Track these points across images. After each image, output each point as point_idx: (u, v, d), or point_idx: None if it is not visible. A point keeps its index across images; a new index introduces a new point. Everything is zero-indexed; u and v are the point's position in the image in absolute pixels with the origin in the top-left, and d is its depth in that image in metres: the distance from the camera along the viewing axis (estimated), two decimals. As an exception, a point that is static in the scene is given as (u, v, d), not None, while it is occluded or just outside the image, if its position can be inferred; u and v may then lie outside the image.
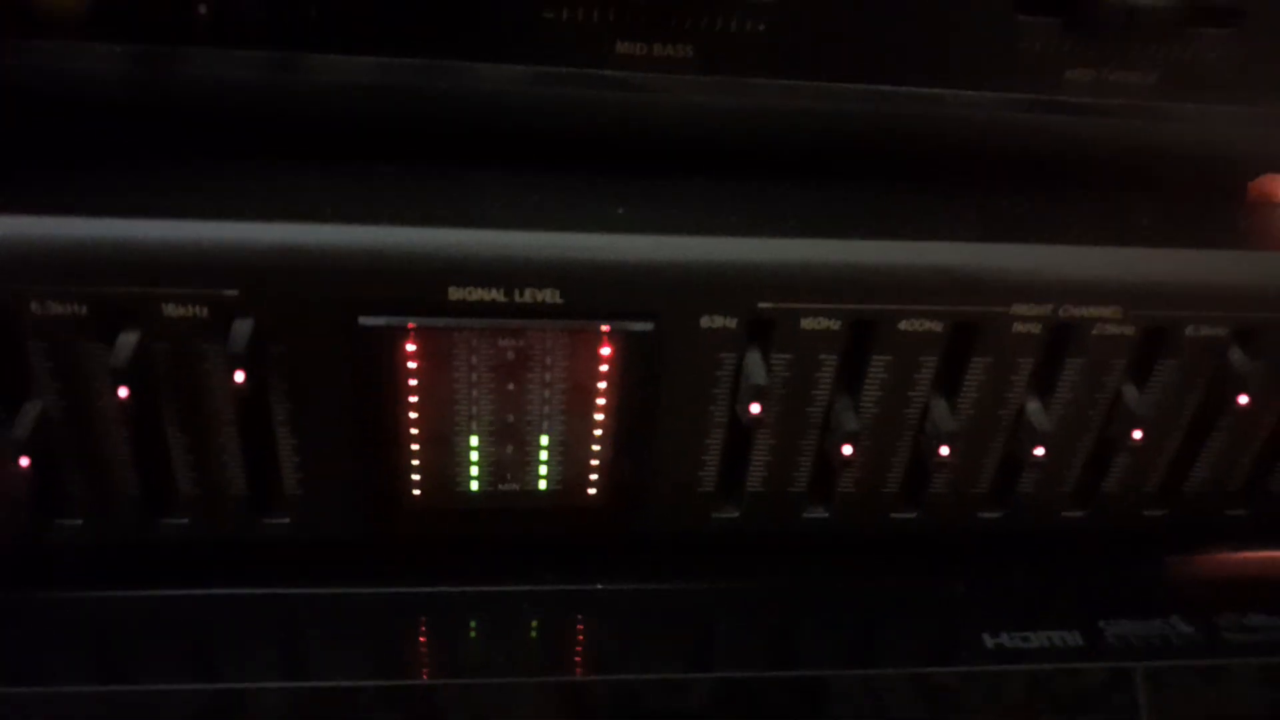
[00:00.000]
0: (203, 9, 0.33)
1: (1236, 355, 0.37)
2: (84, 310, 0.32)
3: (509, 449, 0.38)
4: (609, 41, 0.35)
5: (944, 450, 0.37)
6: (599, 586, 0.40)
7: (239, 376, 0.32)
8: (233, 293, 0.32)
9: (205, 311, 0.32)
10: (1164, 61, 0.37)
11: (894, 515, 0.40)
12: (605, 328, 0.35)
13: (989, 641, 0.39)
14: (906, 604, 0.41)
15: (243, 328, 0.32)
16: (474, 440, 0.37)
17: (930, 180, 0.39)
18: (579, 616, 0.40)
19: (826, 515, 0.40)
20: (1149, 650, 0.39)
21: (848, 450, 0.37)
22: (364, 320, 0.33)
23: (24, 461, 0.33)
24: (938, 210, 0.37)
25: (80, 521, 0.36)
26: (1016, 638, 0.39)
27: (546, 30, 0.34)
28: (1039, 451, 0.38)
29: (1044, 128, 0.37)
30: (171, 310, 0.32)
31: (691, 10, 0.34)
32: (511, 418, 0.37)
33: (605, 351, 0.35)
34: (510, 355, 0.35)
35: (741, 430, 0.37)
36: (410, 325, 0.34)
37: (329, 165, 0.36)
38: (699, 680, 0.38)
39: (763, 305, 0.34)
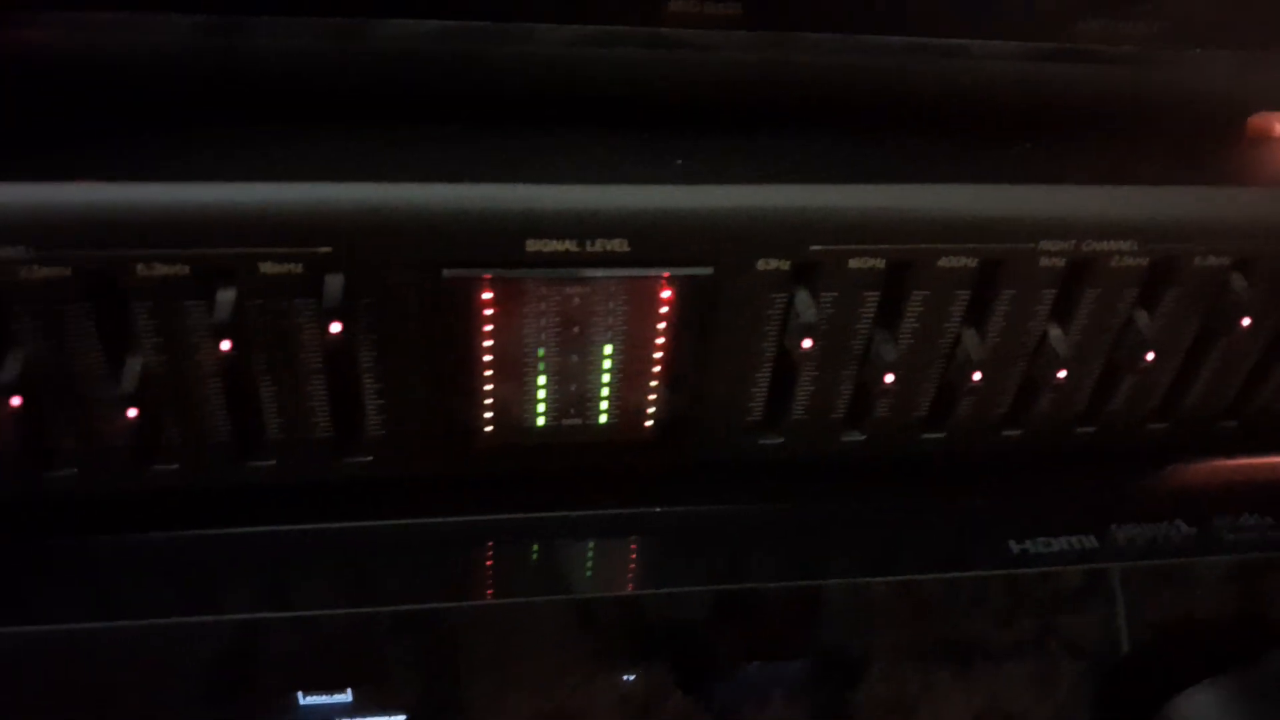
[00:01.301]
0: (278, -23, 0.34)
1: (1238, 282, 0.41)
2: (186, 270, 0.34)
3: (572, 387, 0.40)
4: (662, 1, 0.37)
5: (976, 376, 0.40)
6: (657, 510, 0.43)
7: (335, 328, 0.34)
8: (326, 250, 0.34)
9: (300, 268, 0.34)
10: (1168, 11, 0.39)
11: (924, 436, 0.44)
12: (666, 274, 0.37)
13: (1015, 547, 0.43)
14: (935, 517, 0.45)
15: (335, 283, 0.35)
16: (541, 380, 0.40)
17: (960, 127, 0.41)
18: (636, 537, 0.43)
19: (862, 438, 0.43)
20: (1155, 550, 0.44)
21: (889, 379, 0.40)
22: (447, 272, 0.36)
23: (131, 413, 0.35)
24: (968, 156, 0.40)
25: (175, 466, 0.39)
26: (1039, 543, 0.43)
27: (606, -9, 0.36)
28: (1060, 374, 0.41)
29: (1062, 75, 0.40)
30: (269, 268, 0.34)
31: (741, -31, 0.36)
32: (576, 358, 0.40)
33: (665, 295, 0.38)
34: (576, 301, 0.38)
35: (788, 363, 0.40)
36: (486, 275, 0.36)
37: (399, 127, 0.37)
38: (745, 590, 0.42)
39: (814, 248, 0.37)
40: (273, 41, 0.35)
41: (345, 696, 0.42)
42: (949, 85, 0.39)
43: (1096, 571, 0.44)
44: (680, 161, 0.37)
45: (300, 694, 0.41)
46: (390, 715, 0.42)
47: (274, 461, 0.39)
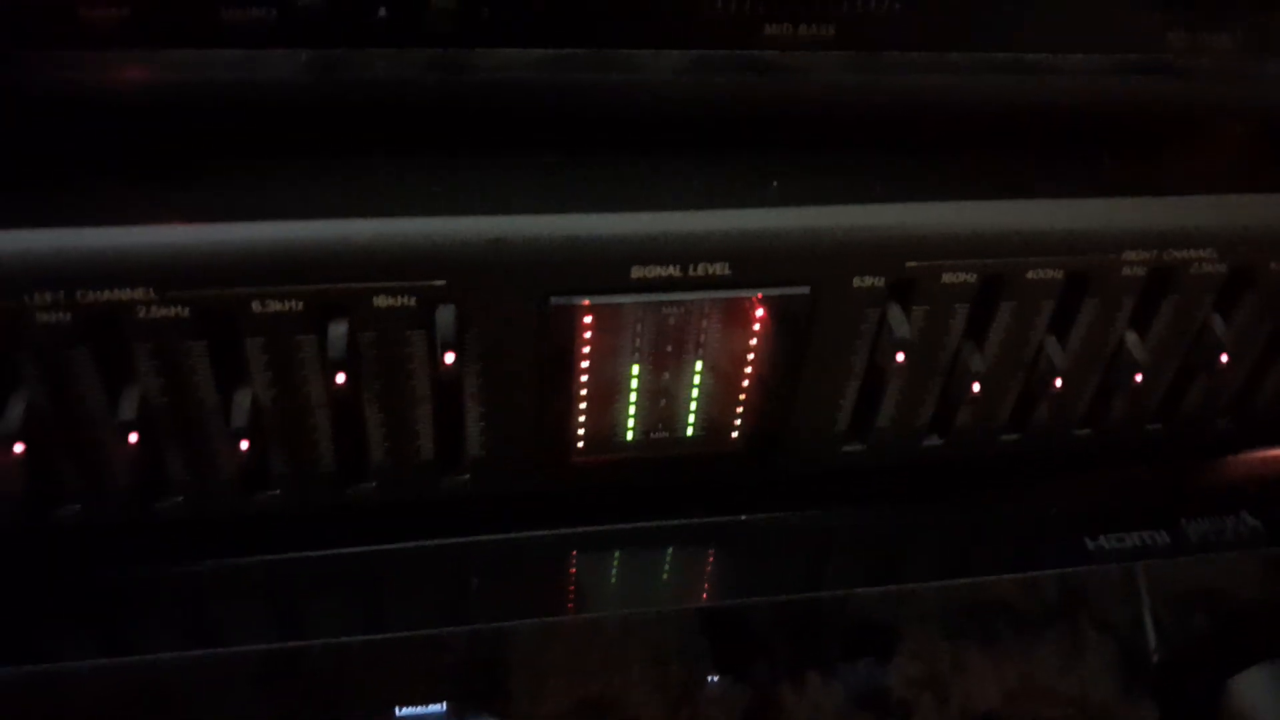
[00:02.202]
0: (381, 12, 0.34)
1: (1313, 285, 0.42)
2: (300, 306, 0.34)
3: (661, 403, 0.41)
4: (758, 25, 0.37)
5: (1058, 382, 0.41)
6: (742, 518, 0.44)
7: (449, 359, 0.35)
8: (440, 283, 0.35)
9: (413, 301, 0.35)
10: (1250, 22, 0.40)
11: (1002, 439, 0.45)
12: (759, 294, 0.38)
13: (1090, 544, 0.44)
14: (1012, 517, 0.46)
15: (447, 314, 0.35)
16: (632, 397, 0.41)
17: (1046, 142, 0.42)
18: (722, 546, 0.44)
19: (941, 443, 0.44)
20: (1224, 543, 0.45)
21: (976, 388, 0.41)
22: (554, 300, 0.36)
23: (244, 445, 0.36)
24: (1054, 170, 0.41)
25: (278, 492, 0.39)
26: (1113, 539, 0.44)
27: (702, 17, 0.36)
28: (1137, 378, 0.42)
29: (1146, 88, 0.40)
30: (381, 301, 0.35)
31: (833, -9, 0.37)
32: (667, 376, 0.40)
33: (759, 313, 0.39)
34: (671, 321, 0.39)
35: (877, 374, 0.41)
36: (588, 302, 0.37)
37: (504, 156, 0.38)
38: (835, 596, 0.43)
39: (910, 264, 0.38)
40: (379, 74, 0.35)
41: (440, 708, 0.43)
42: (1036, 100, 0.40)
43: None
44: (776, 183, 0.38)
45: (397, 708, 0.42)
46: (478, 728, 0.43)
47: (375, 484, 0.40)
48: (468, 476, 0.41)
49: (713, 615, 0.42)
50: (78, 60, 0.33)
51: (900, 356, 0.39)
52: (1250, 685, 0.47)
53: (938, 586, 0.43)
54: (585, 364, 0.39)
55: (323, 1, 0.33)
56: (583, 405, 0.40)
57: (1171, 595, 0.46)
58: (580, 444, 0.41)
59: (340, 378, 0.34)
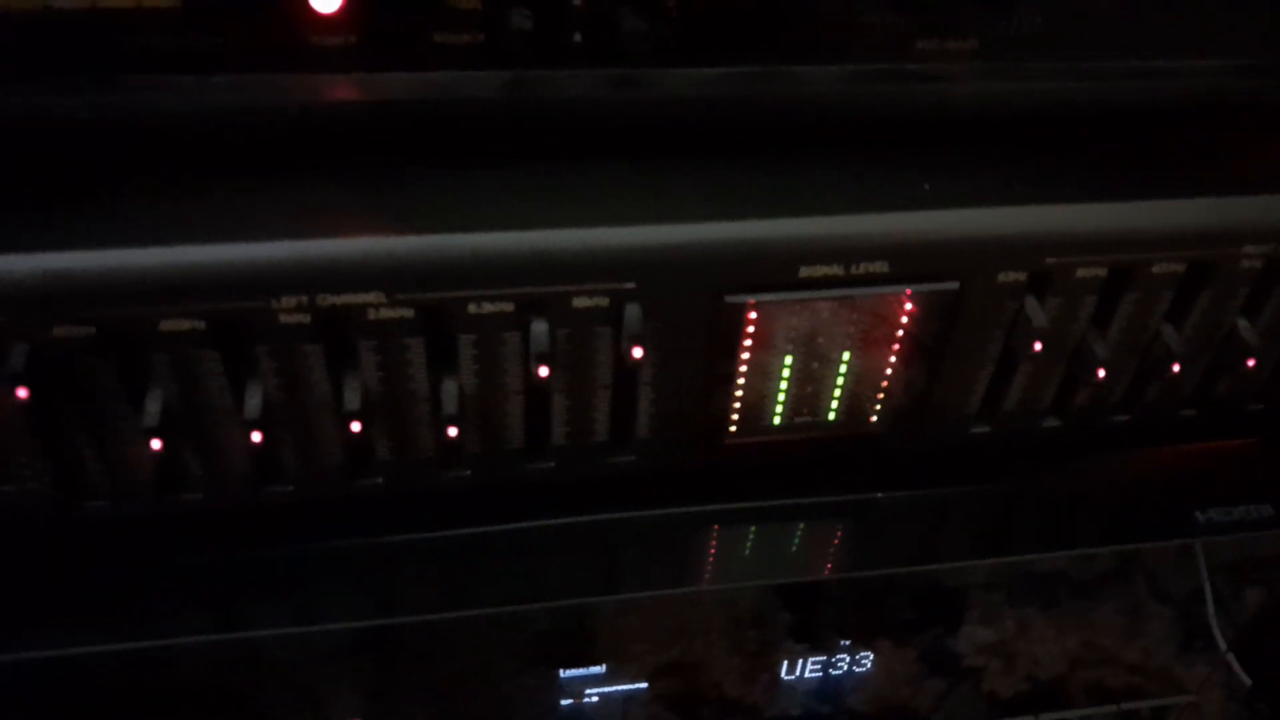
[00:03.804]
0: (576, 37, 0.38)
1: None
2: (510, 307, 0.38)
3: (808, 389, 0.45)
4: (910, 40, 0.40)
5: (1176, 367, 0.45)
6: (879, 495, 0.48)
7: (636, 352, 0.39)
8: (630, 285, 0.38)
9: (606, 301, 0.39)
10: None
11: (1115, 419, 0.48)
12: (915, 289, 0.41)
13: (1200, 517, 0.48)
14: (1125, 491, 0.49)
15: (634, 312, 0.39)
16: (783, 384, 0.44)
17: (1166, 143, 0.45)
18: (861, 519, 0.48)
19: (1060, 424, 0.48)
20: (1325, 515, 0.48)
21: (1101, 373, 0.44)
22: (728, 298, 0.40)
23: (453, 431, 0.40)
24: (1175, 170, 0.44)
25: (469, 472, 0.43)
26: (1220, 512, 0.48)
27: (860, 34, 0.40)
28: (1250, 362, 0.45)
29: (1267, 89, 0.43)
30: (580, 302, 0.38)
31: (978, 9, 0.40)
32: (816, 365, 0.44)
33: (909, 306, 0.42)
34: (825, 315, 0.42)
35: (1009, 360, 0.45)
36: (756, 300, 0.40)
37: (682, 165, 0.41)
38: (969, 567, 0.46)
39: (1049, 260, 0.41)
40: (572, 92, 0.38)
41: (599, 669, 0.47)
42: (1162, 104, 0.43)
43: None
44: (928, 186, 0.41)
45: (561, 670, 0.46)
46: (635, 683, 0.47)
47: (553, 464, 0.44)
48: (633, 457, 0.45)
49: (797, 603, 0.45)
50: (308, 83, 0.37)
51: (1038, 345, 0.42)
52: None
53: (1055, 557, 0.47)
54: (745, 355, 0.42)
55: (526, 28, 0.37)
56: (739, 392, 0.44)
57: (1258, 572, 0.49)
58: (733, 427, 0.45)
59: (543, 370, 0.38)
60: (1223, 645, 0.52)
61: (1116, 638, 0.51)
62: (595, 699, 0.48)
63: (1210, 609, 0.51)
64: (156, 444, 0.37)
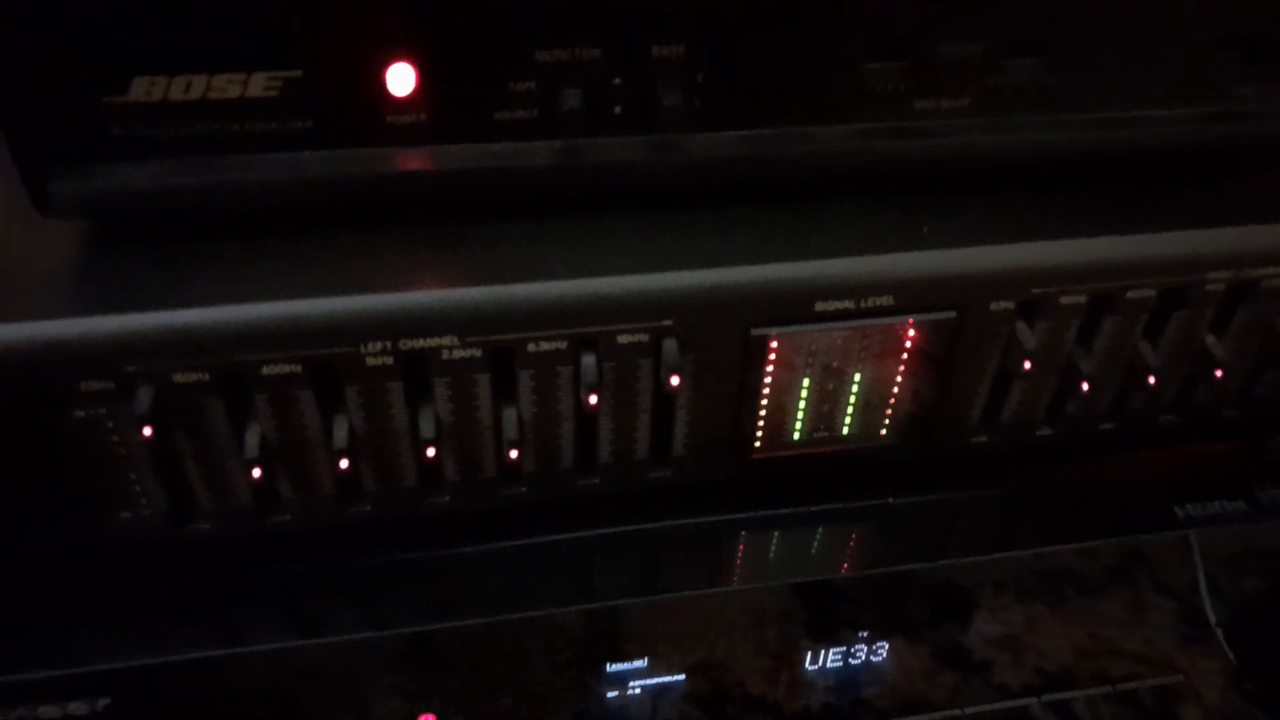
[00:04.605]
0: (616, 110, 0.43)
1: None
2: (564, 345, 0.43)
3: (824, 408, 0.50)
4: (910, 100, 0.46)
5: (1151, 380, 0.50)
6: (890, 500, 0.53)
7: (674, 381, 0.44)
8: (668, 323, 0.44)
9: (647, 338, 0.44)
10: (1311, 72, 0.48)
11: (1102, 427, 0.54)
12: (918, 318, 0.47)
13: (1179, 512, 0.53)
14: (1111, 491, 0.55)
15: (671, 346, 0.44)
16: (802, 404, 0.50)
17: (1136, 182, 0.51)
18: (875, 522, 0.53)
19: (1052, 432, 0.53)
20: (1293, 508, 0.54)
21: (1085, 386, 0.49)
22: (755, 331, 0.45)
23: (513, 454, 0.45)
24: (1145, 206, 0.49)
25: (525, 489, 0.49)
26: (1198, 507, 0.53)
27: (866, 97, 0.45)
28: (1218, 373, 0.51)
29: (1220, 133, 0.49)
30: (624, 339, 0.44)
31: (969, 72, 0.45)
32: (831, 387, 0.49)
33: (912, 334, 0.48)
34: (839, 343, 0.48)
35: (1004, 378, 0.50)
36: (777, 332, 0.46)
37: (706, 217, 0.46)
38: (975, 562, 0.52)
39: (1035, 290, 0.47)
40: (608, 156, 0.44)
41: (642, 663, 0.52)
42: (1132, 148, 0.48)
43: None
44: (926, 230, 0.47)
45: (608, 664, 0.52)
46: (674, 675, 0.53)
47: (598, 480, 0.49)
48: (670, 472, 0.50)
49: (818, 600, 0.51)
50: (387, 156, 0.42)
51: (1028, 364, 0.47)
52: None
53: (1050, 551, 0.52)
54: (768, 380, 0.48)
55: (575, 104, 0.42)
56: (763, 413, 0.49)
57: (1236, 560, 0.55)
58: (758, 443, 0.50)
59: (592, 398, 0.44)
60: (1213, 621, 0.57)
61: (1115, 625, 0.56)
62: (637, 691, 0.53)
63: (1204, 595, 0.56)
64: (256, 472, 0.43)
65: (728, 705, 0.54)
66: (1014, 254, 0.46)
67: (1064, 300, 0.47)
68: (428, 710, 0.50)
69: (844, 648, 0.53)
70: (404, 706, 0.48)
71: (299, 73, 0.40)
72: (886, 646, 0.54)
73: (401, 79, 0.40)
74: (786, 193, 0.47)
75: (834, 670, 0.54)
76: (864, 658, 0.54)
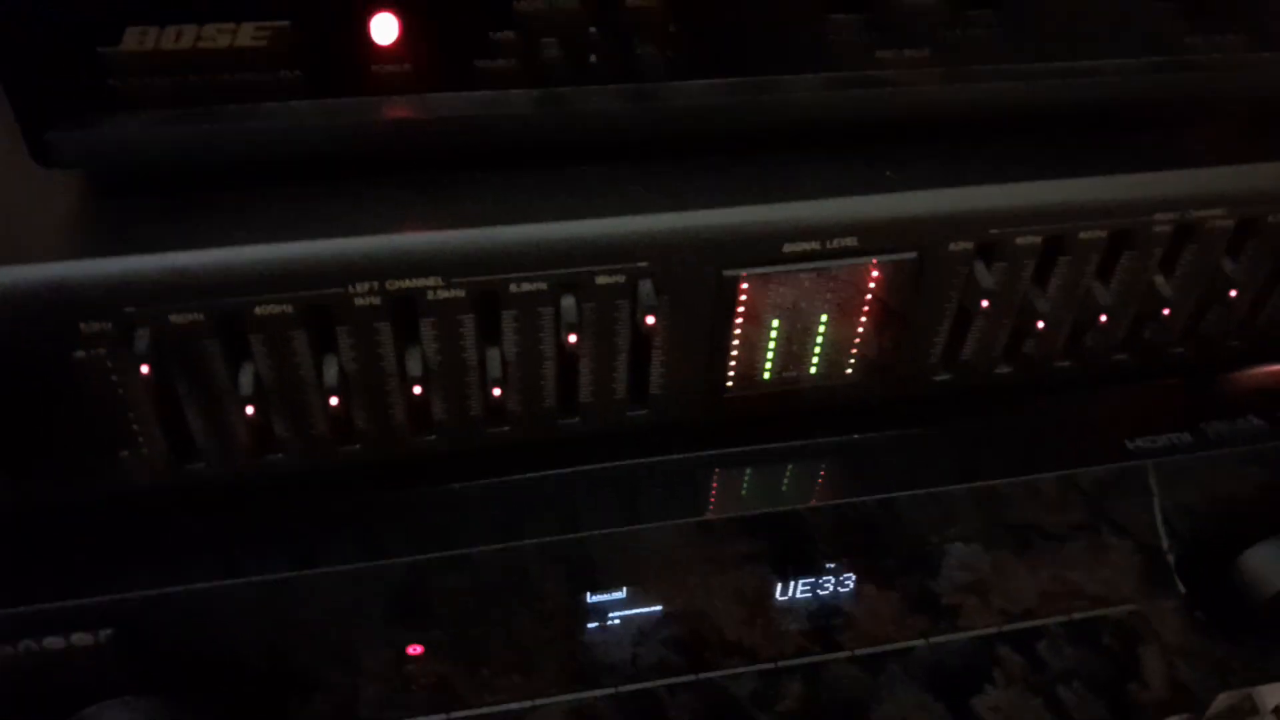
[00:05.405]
0: (592, 59, 0.45)
1: (1302, 232, 0.53)
2: (544, 286, 0.45)
3: (793, 348, 0.53)
4: (871, 50, 0.48)
5: (1103, 318, 0.53)
6: (855, 437, 0.56)
7: (649, 320, 0.46)
8: (644, 264, 0.46)
9: (623, 279, 0.46)
10: (1250, 25, 0.51)
11: (1058, 365, 0.56)
12: (881, 259, 0.49)
13: (1130, 445, 0.56)
14: (1067, 426, 0.58)
15: (647, 287, 0.46)
16: (771, 344, 0.52)
17: (1087, 130, 0.53)
18: (841, 458, 0.56)
19: (1011, 370, 0.56)
20: (1236, 440, 0.57)
21: (1041, 325, 0.52)
22: (726, 272, 0.47)
23: (497, 392, 0.47)
24: (1096, 152, 0.52)
25: (508, 428, 0.51)
26: (1147, 440, 0.56)
27: (831, 47, 0.47)
28: (1165, 311, 0.54)
29: (1169, 83, 0.51)
30: (602, 279, 0.46)
31: (929, 22, 0.47)
32: (800, 326, 0.52)
33: (875, 274, 0.50)
34: (807, 284, 0.50)
35: (963, 317, 0.52)
36: (747, 273, 0.48)
37: (684, 163, 0.49)
38: (919, 495, 0.54)
39: (992, 231, 0.49)
40: (586, 104, 0.46)
41: (620, 594, 0.55)
42: (1082, 97, 0.51)
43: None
44: (889, 173, 0.49)
45: (588, 593, 0.54)
46: (651, 607, 0.55)
47: (578, 420, 0.52)
48: (646, 410, 0.52)
49: (794, 532, 0.53)
50: (372, 105, 0.44)
51: (985, 302, 0.50)
52: (1255, 558, 0.59)
53: (1012, 482, 0.55)
54: (739, 320, 0.50)
55: (552, 54, 0.44)
56: (735, 353, 0.52)
57: (1190, 490, 0.58)
58: (730, 383, 0.53)
59: (572, 338, 0.46)
60: (1167, 551, 0.60)
61: (1076, 562, 0.59)
62: (617, 621, 0.55)
63: (1160, 529, 0.59)
64: (250, 410, 0.45)
65: (705, 641, 0.57)
66: (972, 197, 0.48)
67: (1019, 241, 0.50)
68: (417, 641, 0.52)
69: (812, 578, 0.56)
70: (394, 636, 0.50)
71: (286, 23, 0.41)
72: (852, 578, 0.57)
73: (385, 28, 0.42)
74: (757, 140, 0.49)
75: (802, 601, 0.57)
76: (831, 588, 0.57)
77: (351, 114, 0.44)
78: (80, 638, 0.46)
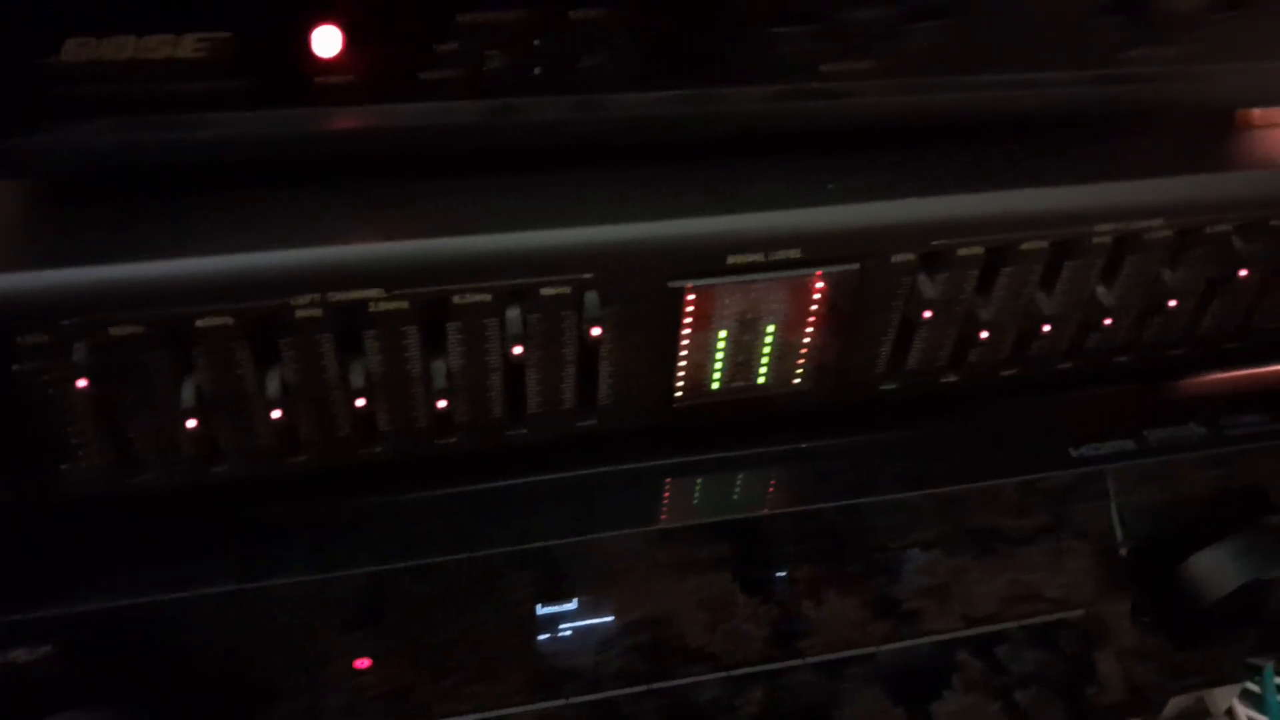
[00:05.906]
0: (537, 70, 0.45)
1: (1239, 243, 0.54)
2: (489, 298, 0.45)
3: (740, 358, 0.53)
4: (817, 63, 0.48)
5: (1046, 327, 0.54)
6: (803, 445, 0.56)
7: (595, 331, 0.46)
8: (588, 275, 0.46)
9: (569, 290, 0.46)
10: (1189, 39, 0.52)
11: (1003, 374, 0.57)
12: (824, 270, 0.50)
13: (1073, 453, 0.57)
14: (1012, 434, 0.58)
15: (593, 298, 0.46)
16: (719, 355, 0.52)
17: (1029, 140, 0.54)
18: (791, 466, 0.56)
19: (957, 379, 0.57)
20: (1178, 447, 0.58)
21: (984, 334, 0.53)
22: (671, 283, 0.48)
23: (442, 404, 0.47)
24: (1037, 163, 0.53)
25: (454, 440, 0.51)
26: (1091, 448, 0.57)
27: (776, 60, 0.47)
28: (1107, 321, 0.54)
29: (1104, 95, 0.52)
30: (547, 291, 0.46)
31: (874, 35, 0.48)
32: (747, 337, 0.52)
33: (819, 285, 0.50)
34: (752, 294, 0.50)
35: (908, 327, 0.53)
36: (694, 284, 0.48)
37: (629, 172, 0.49)
38: (878, 502, 0.55)
39: (935, 242, 0.50)
40: (530, 115, 0.46)
41: (571, 605, 0.55)
42: (1023, 108, 0.51)
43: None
44: (832, 185, 0.49)
45: (539, 605, 0.54)
46: (603, 618, 0.55)
47: (526, 430, 0.52)
48: (595, 420, 0.52)
49: (746, 539, 0.54)
50: (316, 115, 0.44)
51: (928, 313, 0.51)
52: (1200, 564, 0.60)
53: (959, 490, 0.56)
54: (686, 330, 0.50)
55: (495, 65, 0.44)
56: (683, 362, 0.52)
57: (1136, 497, 0.58)
58: (679, 392, 0.53)
59: (518, 349, 0.46)
60: (1122, 556, 0.61)
61: (1035, 567, 0.60)
62: (569, 633, 0.55)
63: (1117, 535, 0.60)
64: (192, 423, 0.45)
65: (665, 647, 0.57)
66: (914, 208, 0.49)
67: (962, 252, 0.50)
68: (366, 655, 0.52)
69: (771, 586, 0.56)
70: (343, 650, 0.50)
71: (228, 34, 0.41)
72: (803, 584, 0.57)
73: (327, 41, 0.42)
74: (702, 151, 0.50)
75: (763, 608, 0.57)
76: (790, 594, 0.57)
77: (294, 125, 0.44)
78: (19, 654, 0.45)
